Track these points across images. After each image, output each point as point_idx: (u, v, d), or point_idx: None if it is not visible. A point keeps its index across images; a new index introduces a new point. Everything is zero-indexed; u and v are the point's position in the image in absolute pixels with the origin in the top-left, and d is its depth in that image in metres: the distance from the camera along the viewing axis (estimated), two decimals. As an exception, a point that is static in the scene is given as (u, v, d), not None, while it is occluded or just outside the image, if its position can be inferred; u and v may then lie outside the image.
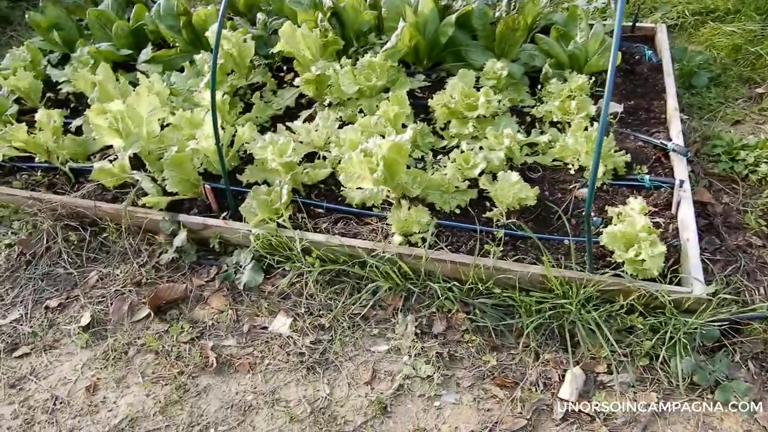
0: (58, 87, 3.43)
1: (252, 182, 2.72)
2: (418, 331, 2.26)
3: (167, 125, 2.84)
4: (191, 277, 2.60)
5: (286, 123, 2.90)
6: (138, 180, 2.73)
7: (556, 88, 2.81)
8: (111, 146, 3.11)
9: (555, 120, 2.77)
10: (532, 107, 2.91)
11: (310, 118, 3.04)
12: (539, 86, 3.05)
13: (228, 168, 2.72)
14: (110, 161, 2.92)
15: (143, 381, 2.24)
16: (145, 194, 2.68)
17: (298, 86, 3.21)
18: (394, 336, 2.27)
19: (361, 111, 2.91)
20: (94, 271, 2.70)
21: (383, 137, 2.47)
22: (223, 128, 2.77)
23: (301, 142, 2.80)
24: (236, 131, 2.70)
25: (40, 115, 2.89)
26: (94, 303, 2.58)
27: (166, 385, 2.21)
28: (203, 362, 2.26)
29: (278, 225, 2.43)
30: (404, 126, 2.69)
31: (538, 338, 2.16)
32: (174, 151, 2.54)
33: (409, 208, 2.39)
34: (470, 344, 2.20)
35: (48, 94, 3.43)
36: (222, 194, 2.62)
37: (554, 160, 2.62)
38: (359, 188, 2.56)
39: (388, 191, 2.47)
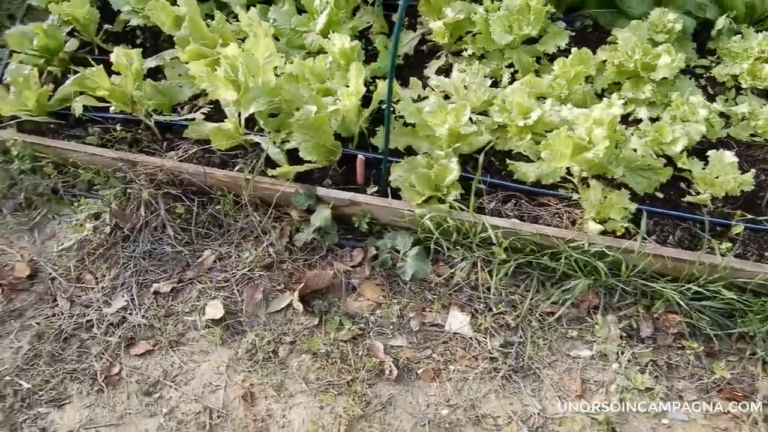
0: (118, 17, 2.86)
1: (392, 148, 2.35)
2: (624, 334, 2.04)
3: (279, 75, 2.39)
4: (332, 260, 2.28)
5: (426, 76, 2.50)
6: (257, 143, 2.32)
7: (741, 46, 2.49)
8: (199, 96, 2.65)
9: (743, 85, 2.47)
10: (707, 69, 2.60)
11: (440, 71, 2.64)
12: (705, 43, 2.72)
13: (358, 131, 2.34)
14: (204, 115, 2.49)
15: (309, 389, 1.96)
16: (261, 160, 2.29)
17: (415, 31, 2.78)
18: (595, 339, 2.05)
19: (510, 65, 2.53)
20: (207, 249, 2.34)
21: (562, 104, 2.15)
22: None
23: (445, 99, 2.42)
24: (376, 86, 2.29)
25: (117, 55, 2.40)
26: (214, 288, 2.24)
27: (339, 395, 1.95)
28: (377, 367, 2.00)
29: (450, 206, 2.10)
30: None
31: (765, 346, 1.98)
32: (313, 111, 2.13)
33: (602, 189, 2.11)
34: (687, 351, 2.00)
35: (105, 26, 2.86)
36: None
37: (752, 135, 2.35)
38: (530, 162, 2.25)
39: (570, 169, 2.17)
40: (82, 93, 2.43)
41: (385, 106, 1.98)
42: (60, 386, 2.05)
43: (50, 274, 2.36)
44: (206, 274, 2.31)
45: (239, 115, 2.37)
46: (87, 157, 2.45)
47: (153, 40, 2.92)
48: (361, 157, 2.14)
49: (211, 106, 2.59)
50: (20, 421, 1.97)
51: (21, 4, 3.38)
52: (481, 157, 2.11)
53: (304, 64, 2.34)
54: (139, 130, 2.58)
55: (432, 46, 2.78)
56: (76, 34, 2.81)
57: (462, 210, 2.12)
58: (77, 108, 2.34)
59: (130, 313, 2.22)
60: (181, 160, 2.38)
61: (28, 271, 2.35)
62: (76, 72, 2.72)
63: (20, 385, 2.05)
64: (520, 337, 2.08)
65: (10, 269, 2.39)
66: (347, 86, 2.25)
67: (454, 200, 2.12)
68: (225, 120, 2.37)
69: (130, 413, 1.96)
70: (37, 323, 2.22)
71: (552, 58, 2.58)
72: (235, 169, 2.39)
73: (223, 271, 2.31)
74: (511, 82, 2.51)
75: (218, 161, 2.42)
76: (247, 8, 2.85)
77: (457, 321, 2.11)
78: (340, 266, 2.28)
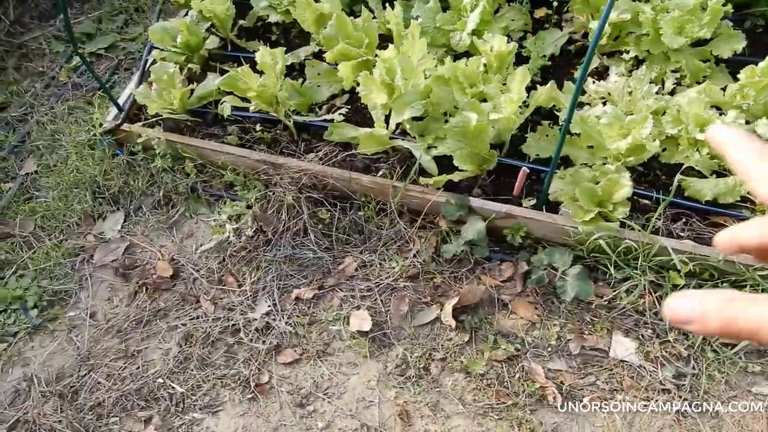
0: (250, 12, 2.86)
1: (535, 157, 2.24)
2: (815, 372, 1.86)
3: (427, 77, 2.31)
4: (480, 274, 2.19)
5: (592, 80, 2.36)
6: (407, 149, 2.25)
7: None
8: (336, 96, 2.60)
9: None
10: None
11: (593, 73, 2.49)
12: None
13: (509, 138, 2.24)
14: (343, 116, 2.44)
15: (466, 411, 1.89)
16: (408, 166, 2.22)
17: (561, 29, 2.63)
18: (781, 376, 1.87)
19: (676, 71, 2.35)
20: (349, 256, 2.30)
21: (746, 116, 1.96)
22: (504, 83, 2.26)
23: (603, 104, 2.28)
24: (536, 90, 2.18)
25: (262, 54, 2.38)
26: (357, 297, 2.19)
27: (500, 419, 1.87)
28: (538, 392, 1.90)
29: (621, 224, 1.97)
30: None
31: None
32: (472, 119, 2.04)
33: (793, 212, 1.92)
34: None
35: (239, 21, 2.86)
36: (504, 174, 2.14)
37: None
38: (704, 178, 2.08)
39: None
40: (227, 93, 2.43)
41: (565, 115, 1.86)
42: (212, 392, 2.07)
43: (192, 274, 2.39)
44: (348, 281, 2.28)
45: (386, 118, 2.32)
46: (229, 157, 2.46)
47: (285, 36, 2.91)
48: (525, 169, 2.04)
49: (349, 107, 2.55)
50: (176, 425, 2.00)
51: None
52: (676, 179, 1.96)
53: (457, 67, 2.25)
54: (278, 131, 2.57)
55: (580, 47, 2.63)
56: (212, 30, 2.82)
57: (632, 229, 1.99)
58: (226, 109, 2.35)
59: (274, 319, 2.22)
60: (324, 164, 2.35)
61: (171, 271, 2.40)
62: (215, 70, 2.75)
63: (173, 388, 2.08)
64: (694, 368, 1.94)
65: (152, 268, 2.43)
66: (505, 92, 2.14)
67: (623, 218, 1.99)
68: (372, 124, 2.32)
69: (285, 425, 1.95)
70: (183, 325, 2.26)
71: (719, 62, 2.39)
72: (379, 174, 2.34)
73: (365, 280, 2.27)
74: (674, 89, 2.33)
75: (361, 166, 2.38)
76: (383, 4, 2.79)
77: (622, 347, 1.98)
78: (489, 281, 2.19)
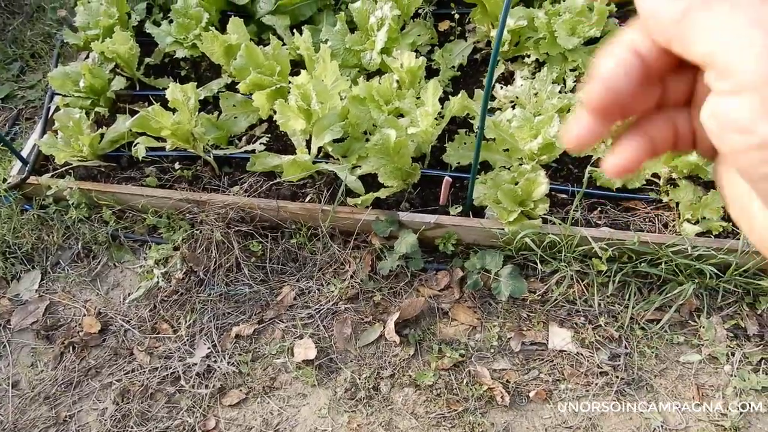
0: (159, 50, 2.81)
1: (456, 165, 2.31)
2: (730, 335, 2.01)
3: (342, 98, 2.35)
4: (418, 286, 2.23)
5: (499, 86, 2.47)
6: (323, 171, 2.27)
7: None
8: (254, 126, 2.59)
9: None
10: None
11: (500, 79, 2.62)
12: None
13: (429, 150, 2.31)
14: (264, 145, 2.43)
15: (420, 424, 1.91)
16: (335, 189, 2.24)
17: (465, 39, 2.75)
18: (702, 343, 2.02)
19: (574, 69, 2.51)
20: (286, 286, 2.29)
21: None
22: (418, 97, 2.33)
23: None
24: (449, 101, 2.26)
25: (172, 91, 2.34)
26: (300, 326, 2.18)
27: (453, 427, 1.90)
28: (486, 394, 1.95)
29: (543, 220, 2.07)
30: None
31: None
32: (392, 135, 2.09)
33: (693, 189, 2.09)
34: (801, 347, 1.98)
35: (145, 60, 2.79)
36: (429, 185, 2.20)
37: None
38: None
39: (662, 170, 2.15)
40: (139, 134, 2.36)
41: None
42: (157, 445, 1.97)
43: (122, 326, 2.29)
44: (287, 311, 2.25)
45: (308, 143, 2.33)
46: (149, 200, 2.39)
47: (195, 71, 2.86)
48: (448, 178, 2.10)
49: (269, 135, 2.54)
50: (123, 486, 1.89)
51: (44, 42, 3.30)
52: (587, 172, 2.08)
53: (371, 86, 2.30)
54: (197, 167, 2.52)
55: (486, 55, 2.75)
56: (117, 70, 2.74)
57: (554, 224, 2.09)
58: (140, 150, 2.27)
59: (215, 361, 2.16)
60: (250, 195, 2.32)
61: (99, 326, 2.29)
62: (125, 111, 2.66)
63: (115, 448, 1.97)
64: (626, 348, 2.05)
65: (77, 325, 2.31)
66: (420, 106, 2.21)
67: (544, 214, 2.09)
68: (294, 150, 2.32)
69: (238, 467, 1.89)
70: (118, 381, 2.16)
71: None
72: (307, 200, 2.34)
73: (305, 307, 2.25)
74: (575, 86, 2.48)
75: (288, 193, 2.37)
76: (291, 30, 2.81)
77: (559, 338, 2.07)
78: (427, 291, 2.23)
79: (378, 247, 2.26)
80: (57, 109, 2.65)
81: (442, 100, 2.26)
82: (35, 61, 3.29)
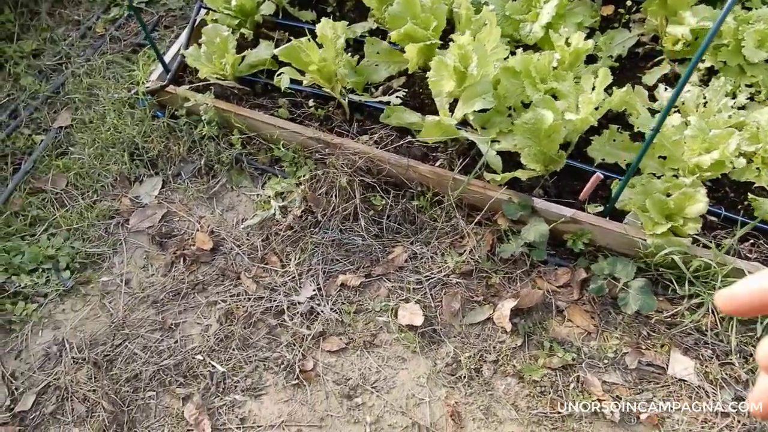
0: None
1: (600, 161, 2.17)
2: None
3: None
4: (535, 277, 2.14)
5: (645, 84, 2.30)
6: (467, 140, 2.18)
7: None
8: (392, 77, 2.51)
9: None
10: None
11: (664, 80, 2.42)
12: None
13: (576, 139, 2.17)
14: (400, 99, 2.35)
15: (519, 417, 1.85)
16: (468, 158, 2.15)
17: (629, 29, 2.56)
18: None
19: (750, 85, 2.29)
20: (399, 246, 2.24)
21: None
22: (576, 81, 2.19)
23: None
24: (611, 94, 2.10)
25: (323, 27, 2.28)
26: (406, 290, 2.13)
27: (554, 429, 1.83)
28: (595, 404, 1.86)
29: (693, 240, 1.92)
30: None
31: None
32: (550, 118, 1.97)
33: None
34: None
35: (292, -12, 2.75)
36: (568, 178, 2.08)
37: None
38: (777, 199, 2.03)
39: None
40: (282, 63, 2.32)
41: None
42: (254, 374, 2.01)
43: (232, 249, 2.31)
44: (396, 272, 2.22)
45: (450, 107, 2.24)
46: (281, 131, 2.37)
47: (340, 9, 2.79)
48: (599, 174, 1.97)
49: (406, 90, 2.46)
50: (217, 406, 1.94)
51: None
52: (747, 199, 1.91)
53: (529, 59, 2.17)
54: (330, 108, 2.48)
55: (649, 50, 2.55)
56: (264, -5, 2.70)
57: (707, 247, 1.94)
58: (284, 80, 2.24)
59: (318, 304, 2.15)
60: (381, 148, 2.27)
61: (211, 243, 2.31)
62: (266, 37, 2.64)
63: (214, 367, 2.02)
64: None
65: (190, 239, 2.35)
66: (580, 91, 2.07)
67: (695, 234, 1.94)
68: (429, 109, 2.24)
69: (331, 416, 1.90)
70: (223, 301, 2.19)
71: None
72: (437, 164, 2.26)
73: (415, 272, 2.21)
74: (745, 104, 2.27)
75: (418, 153, 2.30)
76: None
77: (681, 365, 1.95)
78: (544, 285, 2.14)
79: (504, 228, 2.18)
80: (203, 22, 2.66)
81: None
82: (180, -30, 3.31)
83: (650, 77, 2.45)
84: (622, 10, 2.62)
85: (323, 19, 2.32)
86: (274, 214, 2.34)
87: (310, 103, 2.47)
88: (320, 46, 2.32)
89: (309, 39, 2.27)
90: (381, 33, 2.67)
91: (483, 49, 2.11)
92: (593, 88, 2.10)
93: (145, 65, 2.73)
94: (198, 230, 2.38)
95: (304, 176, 2.35)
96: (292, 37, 2.51)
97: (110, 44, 2.94)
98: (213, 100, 2.42)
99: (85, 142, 2.58)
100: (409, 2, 2.34)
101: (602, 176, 2.00)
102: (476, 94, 2.11)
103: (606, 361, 1.98)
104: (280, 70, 2.31)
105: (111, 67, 2.82)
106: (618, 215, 2.10)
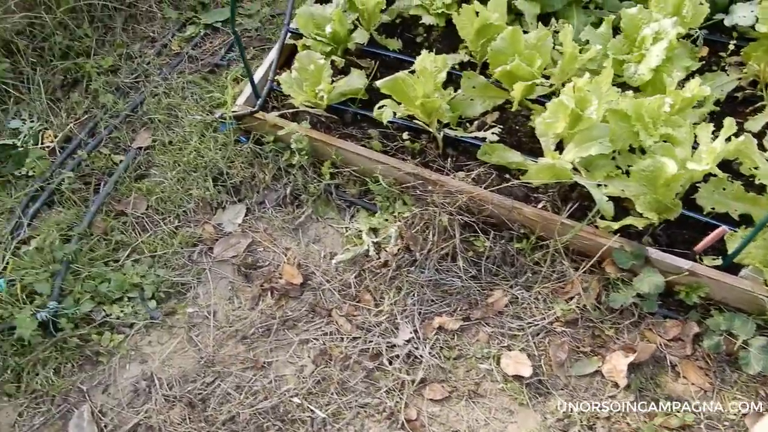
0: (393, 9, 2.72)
1: (709, 210, 2.11)
2: None
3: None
4: (644, 329, 2.07)
5: (747, 130, 2.26)
6: (571, 182, 2.12)
7: None
8: (485, 113, 2.46)
9: None
10: None
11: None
12: None
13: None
14: (497, 136, 2.30)
15: (640, 481, 1.76)
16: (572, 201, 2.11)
17: (726, 73, 2.52)
18: None
19: None
20: (498, 289, 2.17)
21: None
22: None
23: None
24: (731, 142, 2.05)
25: (423, 60, 2.23)
26: (507, 336, 2.06)
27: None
28: (719, 471, 1.78)
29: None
30: None
31: None
32: (671, 167, 1.91)
33: None
34: None
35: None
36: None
37: None
38: None
39: None
40: (377, 94, 2.27)
41: None
42: (356, 422, 1.93)
43: (322, 284, 2.24)
44: (496, 316, 2.15)
45: (555, 148, 2.18)
46: (376, 165, 2.31)
47: (425, 37, 2.75)
48: (725, 228, 1.91)
49: (501, 126, 2.40)
50: (321, 454, 1.85)
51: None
52: None
53: (640, 103, 2.12)
54: (423, 141, 2.42)
55: (749, 95, 2.51)
56: (357, 22, 2.65)
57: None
58: (386, 114, 2.19)
59: (416, 347, 2.08)
60: (485, 187, 2.21)
61: (300, 277, 2.24)
62: (354, 64, 2.60)
63: (313, 412, 1.93)
64: None
65: (276, 271, 2.28)
66: (701, 140, 2.02)
67: (822, 294, 1.88)
68: (527, 147, 2.18)
69: (443, 470, 1.81)
70: (316, 339, 2.11)
71: None
72: (540, 205, 2.20)
73: (516, 317, 2.13)
74: None
75: (519, 193, 2.24)
76: (538, 19, 2.66)
77: (805, 432, 1.87)
78: (654, 337, 2.07)
79: (613, 277, 2.11)
80: (289, 47, 2.62)
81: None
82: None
83: (754, 124, 2.40)
84: (723, 54, 2.57)
85: (423, 52, 2.27)
86: (368, 251, 2.27)
87: (405, 136, 2.41)
88: (418, 77, 2.28)
89: (411, 72, 2.22)
90: (471, 65, 2.62)
91: (600, 91, 2.06)
92: (713, 136, 2.05)
93: (224, 86, 2.68)
94: (285, 262, 2.30)
95: (399, 212, 2.28)
96: (379, 65, 2.47)
97: (188, 63, 2.89)
98: (308, 130, 2.35)
99: (166, 165, 2.51)
100: (514, 38, 2.29)
101: (727, 231, 1.94)
102: (592, 137, 2.06)
103: (726, 423, 1.90)
104: (382, 103, 2.26)
105: (189, 87, 2.76)
106: (732, 268, 2.04)
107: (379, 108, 2.25)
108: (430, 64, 2.26)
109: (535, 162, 2.22)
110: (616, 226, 2.04)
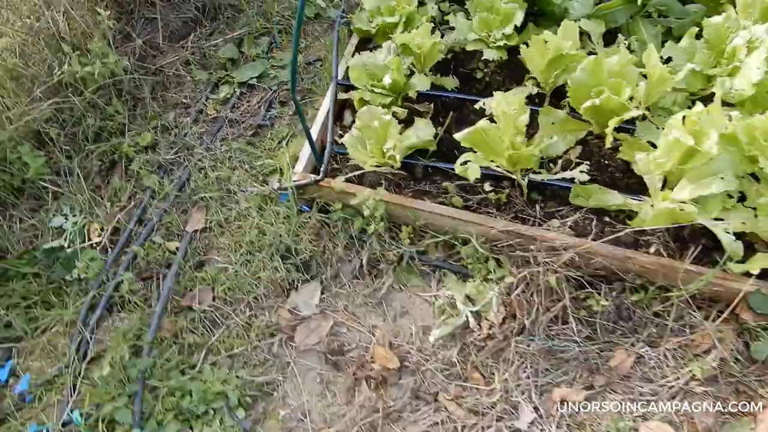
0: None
1: None
2: None
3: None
4: (782, 383, 1.85)
5: None
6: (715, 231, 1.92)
7: None
8: (568, 149, 2.25)
9: None
10: None
11: None
12: None
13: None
14: (587, 175, 2.10)
15: None
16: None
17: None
18: None
19: None
20: (619, 349, 1.96)
21: None
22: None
23: None
24: None
25: (499, 103, 2.04)
26: (640, 403, 1.86)
27: None
28: None
29: None
30: None
31: None
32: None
33: None
34: None
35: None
36: None
37: None
38: None
39: None
40: (450, 142, 2.07)
41: None
42: None
43: (421, 365, 2.04)
44: (623, 381, 1.94)
45: (663, 185, 1.98)
46: (457, 223, 2.11)
47: (484, 72, 2.54)
48: None
49: (587, 162, 2.20)
50: None
51: (291, 18, 3.08)
52: None
53: (751, 124, 1.91)
54: (504, 188, 2.22)
55: None
56: (412, 66, 2.45)
57: None
58: (473, 172, 1.98)
59: (542, 429, 1.86)
60: (594, 239, 2.00)
61: (396, 361, 2.03)
62: (413, 111, 2.39)
63: None
64: None
65: (366, 354, 2.07)
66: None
67: None
68: (621, 184, 1.97)
69: None
70: (427, 431, 1.90)
71: None
72: (651, 250, 2.00)
73: (646, 380, 1.93)
74: None
75: (627, 239, 2.03)
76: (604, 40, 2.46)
77: None
78: (798, 392, 1.85)
79: (751, 325, 1.90)
80: (345, 103, 2.42)
81: None
82: (284, 37, 3.08)
83: None
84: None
85: (497, 94, 2.08)
86: (467, 322, 2.06)
87: (486, 187, 2.21)
88: (492, 121, 2.08)
89: (487, 122, 2.02)
90: (539, 96, 2.42)
91: (715, 121, 1.85)
92: None
93: (271, 149, 2.49)
94: (374, 343, 2.10)
95: (497, 276, 2.08)
96: (439, 107, 2.26)
97: (228, 128, 2.69)
98: (385, 194, 2.15)
99: (226, 247, 2.31)
100: (597, 67, 2.09)
101: None
102: (710, 173, 1.85)
103: None
104: (464, 158, 2.05)
105: (235, 155, 2.56)
106: None
107: (463, 164, 2.04)
108: (507, 106, 2.06)
109: (639, 200, 2.02)
110: (755, 270, 1.83)
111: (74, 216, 2.36)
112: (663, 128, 2.04)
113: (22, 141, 2.34)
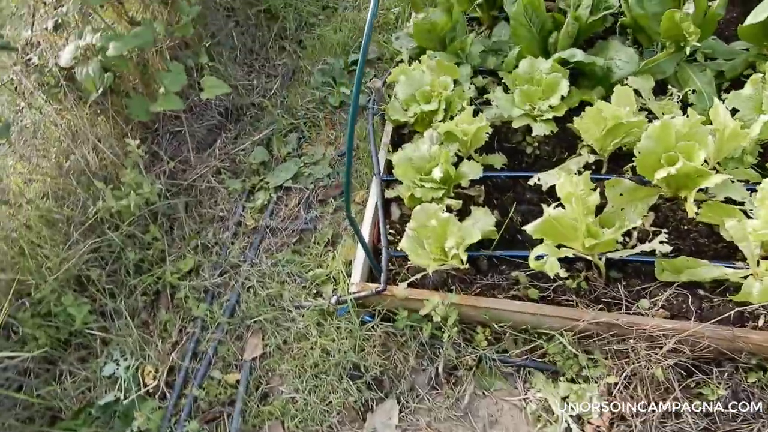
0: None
1: None
2: None
3: None
4: None
5: None
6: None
7: None
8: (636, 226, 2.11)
9: None
10: None
11: None
12: None
13: None
14: (667, 244, 1.94)
15: None
16: None
17: None
18: None
19: None
20: (745, 440, 1.74)
21: None
22: None
23: None
24: None
25: (564, 185, 1.93)
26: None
27: None
28: None
29: None
30: None
31: None
32: None
33: None
34: None
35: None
36: None
37: None
38: None
39: None
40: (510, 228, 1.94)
41: None
42: None
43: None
44: (759, 479, 1.72)
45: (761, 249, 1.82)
46: (538, 319, 1.95)
47: (534, 146, 2.43)
48: None
49: (665, 230, 2.05)
50: None
51: (317, 109, 3.01)
52: None
53: None
54: (579, 272, 2.07)
55: None
56: (458, 153, 2.35)
57: None
58: (553, 266, 1.84)
59: None
60: (697, 320, 1.83)
61: (501, 483, 1.84)
62: (466, 199, 2.27)
63: None
64: None
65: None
66: None
67: None
68: (707, 252, 1.81)
69: None
70: None
71: None
72: (760, 322, 1.82)
73: (785, 475, 1.71)
74: None
75: (734, 315, 1.86)
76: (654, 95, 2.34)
77: None
78: None
79: None
80: (388, 200, 2.31)
81: None
82: (311, 131, 3.01)
83: None
84: None
85: (563, 176, 1.95)
86: (569, 428, 1.87)
87: (562, 273, 2.06)
88: (559, 204, 1.95)
89: (555, 209, 1.89)
90: (597, 163, 2.30)
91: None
92: None
93: (319, 256, 2.37)
94: (474, 466, 1.92)
95: (590, 371, 1.90)
96: (490, 189, 2.14)
97: (271, 238, 2.58)
98: (455, 298, 2.01)
99: (289, 373, 2.17)
100: (664, 132, 1.97)
101: None
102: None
103: None
104: (538, 251, 1.91)
105: (283, 267, 2.45)
106: None
107: (537, 258, 1.90)
108: (573, 187, 1.93)
109: (734, 267, 1.87)
110: None
111: (125, 360, 2.24)
112: (736, 180, 1.93)
113: (64, 290, 2.24)
